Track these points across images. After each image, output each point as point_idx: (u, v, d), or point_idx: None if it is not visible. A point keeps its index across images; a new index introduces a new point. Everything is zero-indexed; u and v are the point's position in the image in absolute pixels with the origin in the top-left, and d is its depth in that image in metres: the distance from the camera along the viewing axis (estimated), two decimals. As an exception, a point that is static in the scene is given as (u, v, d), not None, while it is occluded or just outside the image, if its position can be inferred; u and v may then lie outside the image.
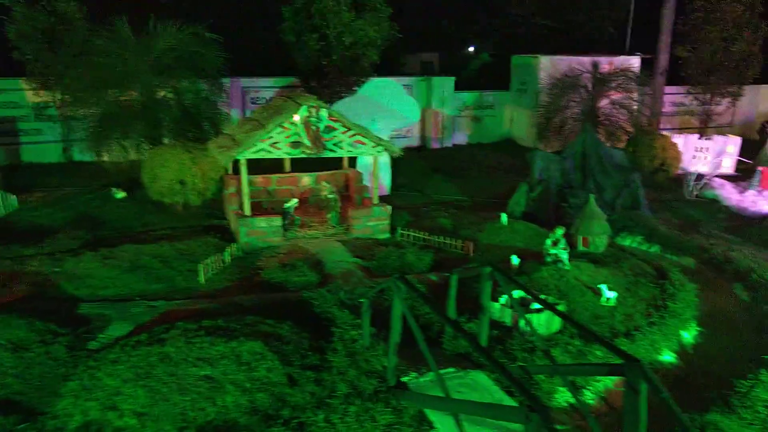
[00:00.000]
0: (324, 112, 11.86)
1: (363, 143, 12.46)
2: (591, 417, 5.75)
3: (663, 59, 24.11)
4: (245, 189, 12.04)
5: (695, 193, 16.70)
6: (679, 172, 19.07)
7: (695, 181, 16.70)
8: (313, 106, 11.75)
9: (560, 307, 8.38)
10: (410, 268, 10.98)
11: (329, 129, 12.08)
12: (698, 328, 9.16)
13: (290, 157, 12.36)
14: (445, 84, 23.23)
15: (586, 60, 20.68)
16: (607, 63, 21.09)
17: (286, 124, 11.81)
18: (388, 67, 24.42)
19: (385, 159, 15.71)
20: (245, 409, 6.34)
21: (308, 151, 12.00)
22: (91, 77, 14.37)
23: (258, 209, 13.34)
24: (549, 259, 10.06)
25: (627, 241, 13.25)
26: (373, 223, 12.83)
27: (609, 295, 9.12)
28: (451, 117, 23.69)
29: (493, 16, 33.92)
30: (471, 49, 37.66)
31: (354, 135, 12.32)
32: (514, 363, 7.05)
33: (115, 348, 7.47)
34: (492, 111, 24.80)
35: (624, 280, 10.19)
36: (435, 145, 23.67)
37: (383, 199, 15.97)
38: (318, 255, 11.62)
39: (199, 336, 7.34)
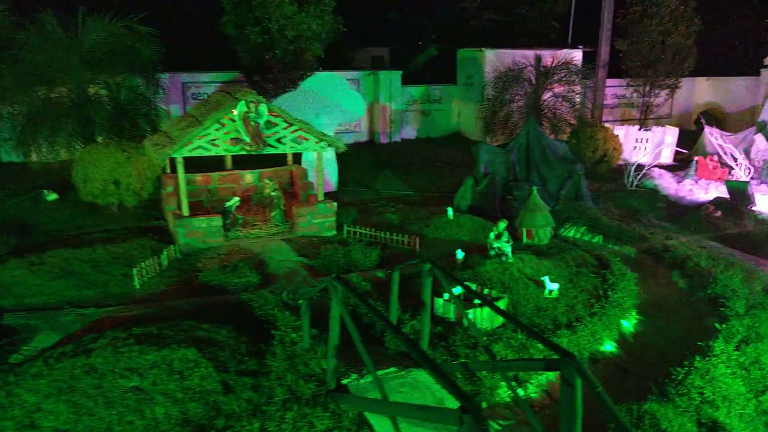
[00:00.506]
0: (264, 108, 11.51)
1: (306, 139, 12.16)
2: (530, 411, 5.71)
3: (604, 52, 24.59)
4: (182, 188, 11.59)
5: (635, 183, 17.11)
6: (620, 162, 19.55)
7: (635, 171, 17.11)
8: (252, 101, 11.38)
9: (502, 302, 8.37)
10: (356, 266, 10.81)
11: (270, 124, 11.74)
12: (638, 317, 9.33)
13: (230, 154, 11.95)
14: (392, 78, 23.11)
15: (530, 53, 20.91)
16: (550, 56, 21.40)
17: (224, 120, 11.40)
18: (336, 62, 24.15)
19: (330, 154, 15.45)
20: (176, 421, 6.04)
21: (248, 148, 11.62)
22: (15, 73, 13.56)
23: (198, 209, 12.93)
24: (492, 253, 10.06)
25: (571, 232, 13.43)
26: (319, 220, 12.58)
27: (551, 286, 9.18)
28: (399, 111, 23.59)
29: (443, 10, 34.04)
30: (421, 43, 37.65)
31: (296, 130, 12.01)
32: (457, 360, 6.98)
33: (38, 361, 7.00)
34: (440, 105, 24.83)
35: (566, 271, 10.29)
36: (384, 140, 23.53)
37: (330, 195, 15.73)
38: (261, 255, 11.30)
39: (129, 345, 6.96)
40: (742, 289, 9.41)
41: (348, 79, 22.88)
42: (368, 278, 10.26)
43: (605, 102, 27.45)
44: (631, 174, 17.08)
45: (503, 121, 20.00)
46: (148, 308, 9.12)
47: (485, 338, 7.43)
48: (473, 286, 8.83)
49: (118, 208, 13.25)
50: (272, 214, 12.78)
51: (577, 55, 23.87)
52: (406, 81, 24.50)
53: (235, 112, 11.31)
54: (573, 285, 9.77)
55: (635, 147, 21.24)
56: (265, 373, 6.84)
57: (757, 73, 27.27)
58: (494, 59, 22.35)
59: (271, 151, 11.99)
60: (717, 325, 8.22)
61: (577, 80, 20.00)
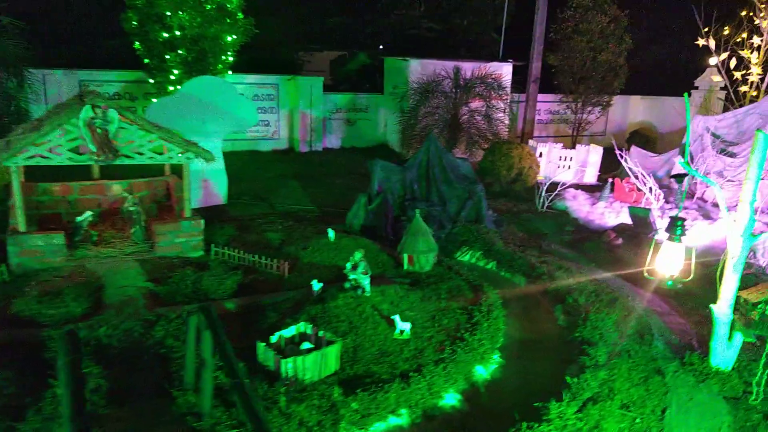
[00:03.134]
0: (114, 113, 10.27)
1: (168, 149, 10.99)
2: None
3: (535, 67, 24.17)
4: (18, 201, 10.25)
5: (547, 204, 16.43)
6: (542, 181, 18.90)
7: (547, 191, 16.42)
8: (99, 106, 10.15)
9: (335, 347, 7.35)
10: (206, 294, 9.67)
11: (124, 132, 10.54)
12: (500, 360, 8.45)
13: (75, 163, 10.64)
14: (312, 84, 22.04)
15: (450, 64, 20.15)
16: (470, 68, 20.67)
17: (67, 126, 10.13)
18: (263, 65, 23.02)
19: (218, 165, 14.27)
20: None
21: (96, 158, 10.39)
22: None
23: (56, 222, 11.58)
24: (348, 285, 9.06)
25: (467, 257, 12.64)
26: (183, 239, 11.37)
27: (402, 326, 8.21)
28: (320, 119, 22.54)
29: (385, 16, 33.21)
30: (381, 47, 36.48)
31: (156, 139, 10.83)
32: (243, 428, 5.89)
33: None
34: (366, 114, 23.89)
35: (433, 306, 9.36)
36: (303, 149, 22.45)
37: (217, 209, 14.63)
38: (103, 278, 10.05)
39: None
40: (612, 333, 8.62)
41: (267, 84, 21.86)
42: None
43: (539, 118, 27.03)
44: (543, 194, 16.39)
45: (420, 135, 19.16)
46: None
47: (287, 395, 6.38)
48: (309, 327, 7.82)
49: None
50: (131, 231, 11.53)
51: (506, 68, 23.26)
52: (337, 88, 23.55)
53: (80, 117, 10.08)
54: (434, 323, 8.83)
55: (558, 166, 20.68)
56: (8, 439, 5.66)
57: (689, 94, 27.22)
58: (419, 69, 21.52)
59: (126, 161, 10.75)
60: (567, 379, 7.35)
61: (495, 95, 19.28)
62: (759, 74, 21.66)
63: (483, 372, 8.02)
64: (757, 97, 21.76)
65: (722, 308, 7.30)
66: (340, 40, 34.11)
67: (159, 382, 6.80)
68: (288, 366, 6.85)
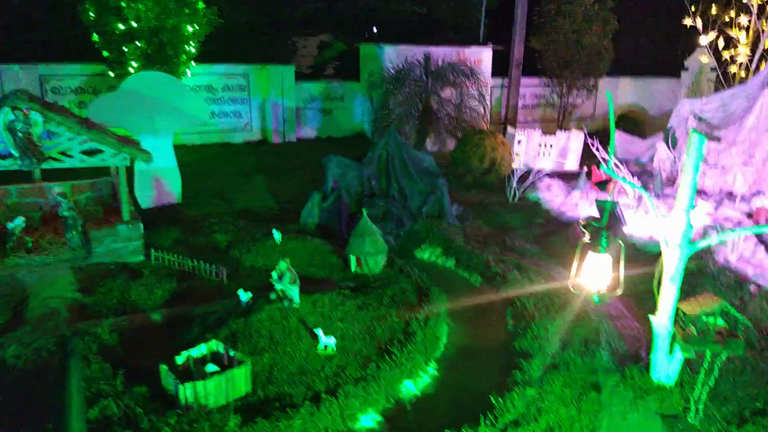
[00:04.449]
0: (37, 116, 9.73)
1: (100, 150, 10.46)
2: None
3: (518, 51, 23.36)
4: (-62, 209, 9.81)
5: (519, 195, 15.80)
6: (522, 169, 18.20)
7: (520, 181, 15.78)
8: (20, 108, 9.61)
9: (243, 368, 6.85)
10: (134, 306, 9.19)
11: (51, 134, 10.01)
12: (436, 373, 7.93)
13: None
14: (283, 73, 21.37)
15: (420, 51, 19.41)
16: (451, 54, 19.93)
17: (-13, 130, 9.62)
18: (249, 54, 22.41)
19: (170, 162, 13.76)
20: None
21: (19, 163, 9.88)
22: None
23: (-7, 228, 11.14)
24: (273, 296, 8.54)
25: (426, 254, 12.14)
26: (121, 244, 10.88)
27: (326, 341, 7.70)
28: (293, 109, 21.89)
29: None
30: (367, 34, 35.60)
31: (86, 141, 10.30)
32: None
33: None
34: (342, 103, 23.21)
35: (370, 315, 8.82)
36: (276, 140, 21.86)
37: (170, 208, 14.13)
38: (30, 289, 9.59)
39: None
40: (554, 342, 8.06)
41: (237, 74, 21.27)
42: (135, 324, 8.66)
43: (525, 102, 26.28)
44: (514, 185, 15.75)
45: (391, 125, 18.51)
46: None
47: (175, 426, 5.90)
48: (221, 346, 7.32)
49: None
50: (67, 236, 11.04)
51: (486, 53, 22.49)
52: (314, 76, 22.88)
53: (-1, 121, 9.55)
54: (366, 334, 8.30)
55: (538, 153, 19.98)
56: None
57: (679, 75, 26.30)
58: (394, 56, 20.79)
59: (55, 165, 10.27)
60: (492, 399, 6.82)
61: (468, 81, 18.56)
62: (747, 55, 20.80)
63: (412, 388, 7.50)
64: (746, 78, 20.91)
65: (661, 320, 6.72)
66: (322, 25, 33.23)
67: (48, 414, 6.33)
68: (187, 392, 6.36)
